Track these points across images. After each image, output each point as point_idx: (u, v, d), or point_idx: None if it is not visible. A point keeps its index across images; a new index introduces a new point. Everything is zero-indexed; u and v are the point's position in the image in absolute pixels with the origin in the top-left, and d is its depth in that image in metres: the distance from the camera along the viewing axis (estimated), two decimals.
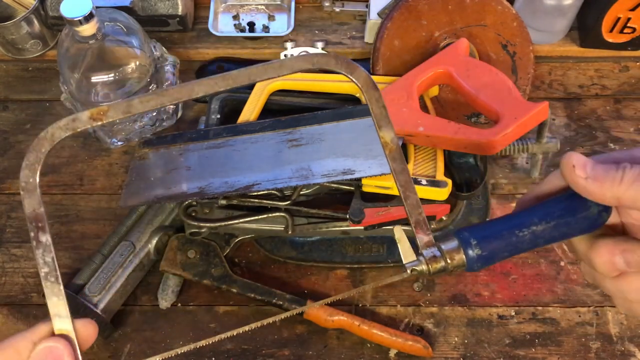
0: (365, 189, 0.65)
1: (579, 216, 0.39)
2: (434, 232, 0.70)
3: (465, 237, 0.39)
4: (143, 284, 0.70)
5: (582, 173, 0.36)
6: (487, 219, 0.72)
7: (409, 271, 0.39)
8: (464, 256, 0.39)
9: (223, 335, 0.42)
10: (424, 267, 0.39)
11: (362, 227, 0.66)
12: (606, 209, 0.39)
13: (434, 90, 0.73)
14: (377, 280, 0.43)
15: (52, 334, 0.38)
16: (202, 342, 0.42)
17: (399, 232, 0.41)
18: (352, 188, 0.66)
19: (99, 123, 0.36)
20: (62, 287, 0.37)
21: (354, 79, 0.38)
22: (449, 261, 0.39)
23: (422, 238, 0.39)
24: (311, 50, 0.82)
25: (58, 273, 0.37)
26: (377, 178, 0.64)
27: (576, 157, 0.37)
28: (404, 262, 0.40)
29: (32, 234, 0.36)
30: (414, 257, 0.40)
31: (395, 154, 0.39)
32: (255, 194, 0.67)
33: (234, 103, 0.74)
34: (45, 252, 0.36)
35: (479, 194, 0.72)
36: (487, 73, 0.66)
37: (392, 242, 0.70)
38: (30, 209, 0.36)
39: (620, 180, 0.35)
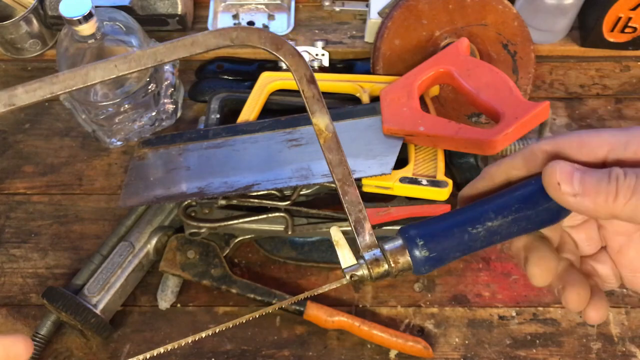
0: (365, 189, 0.65)
1: (541, 208, 0.34)
2: None
3: (410, 237, 0.35)
4: (142, 284, 0.70)
5: (569, 189, 0.32)
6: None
7: (348, 277, 0.36)
8: (409, 258, 0.35)
9: (217, 328, 0.40)
10: (364, 271, 0.35)
11: None
12: (555, 217, 0.35)
13: (435, 90, 0.72)
14: (314, 289, 0.40)
15: None
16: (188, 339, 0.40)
17: (336, 234, 0.37)
18: None
19: None
20: None
21: (280, 56, 0.33)
22: (392, 264, 0.35)
23: (363, 239, 0.36)
24: (311, 49, 0.82)
25: None
26: (377, 178, 0.63)
27: (560, 170, 0.32)
28: (343, 266, 0.36)
29: None
30: (354, 261, 0.36)
31: (331, 143, 0.35)
32: (255, 194, 0.66)
33: (233, 103, 0.74)
34: None
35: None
36: (487, 73, 0.65)
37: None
38: None
39: (615, 194, 0.31)
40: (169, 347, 0.38)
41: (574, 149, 0.34)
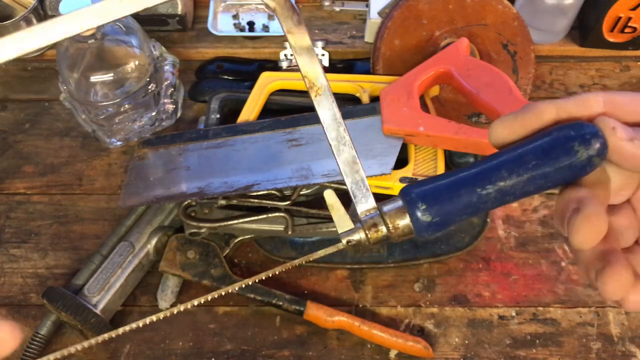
0: None
1: (562, 165, 0.30)
2: None
3: (411, 199, 0.32)
4: (142, 284, 0.70)
5: (625, 134, 0.30)
6: (486, 234, 0.69)
7: (344, 241, 0.33)
8: (409, 222, 0.32)
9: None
10: (361, 235, 0.33)
11: None
12: (600, 153, 0.31)
13: (435, 90, 0.72)
14: (308, 255, 0.37)
15: None
16: None
17: (330, 197, 0.35)
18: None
19: None
20: None
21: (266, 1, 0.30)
22: (391, 228, 0.32)
23: (361, 201, 0.33)
24: None
25: None
26: (377, 178, 0.63)
27: (621, 128, 0.30)
28: (339, 231, 0.34)
29: None
30: (351, 225, 0.34)
31: (323, 98, 0.31)
32: (255, 194, 0.66)
33: (233, 103, 0.74)
34: None
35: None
36: (487, 73, 0.65)
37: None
38: None
39: None
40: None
41: (627, 111, 0.32)
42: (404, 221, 0.32)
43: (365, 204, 0.33)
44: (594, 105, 0.32)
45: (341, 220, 0.34)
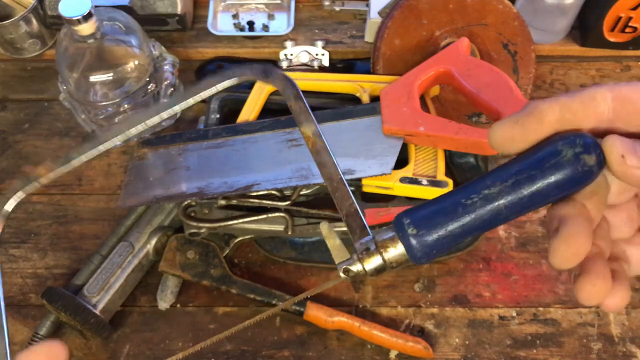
0: (365, 189, 0.65)
1: (549, 164, 0.29)
2: None
3: (399, 222, 0.31)
4: (142, 284, 0.70)
5: (635, 162, 0.29)
6: (487, 235, 0.69)
7: (342, 273, 0.33)
8: (402, 246, 0.31)
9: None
10: (358, 266, 0.33)
11: None
12: (589, 150, 0.29)
13: (435, 90, 0.72)
14: (313, 289, 0.38)
15: None
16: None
17: (325, 229, 0.35)
18: (352, 188, 0.66)
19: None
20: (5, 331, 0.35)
21: (270, 82, 0.37)
22: (385, 255, 0.32)
23: (355, 232, 0.33)
24: (311, 49, 0.82)
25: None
26: (377, 178, 0.63)
27: (621, 142, 0.29)
28: (336, 262, 0.34)
29: None
30: (347, 255, 0.34)
31: (319, 146, 0.36)
32: (255, 194, 0.66)
33: (233, 103, 0.74)
34: None
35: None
36: (488, 72, 0.65)
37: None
38: None
39: None
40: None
41: (638, 110, 0.30)
42: (396, 246, 0.32)
43: (359, 235, 0.33)
44: (601, 103, 0.31)
45: (337, 251, 0.34)
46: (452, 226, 0.30)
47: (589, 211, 0.32)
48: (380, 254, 0.32)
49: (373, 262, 0.33)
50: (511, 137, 0.31)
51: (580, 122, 0.31)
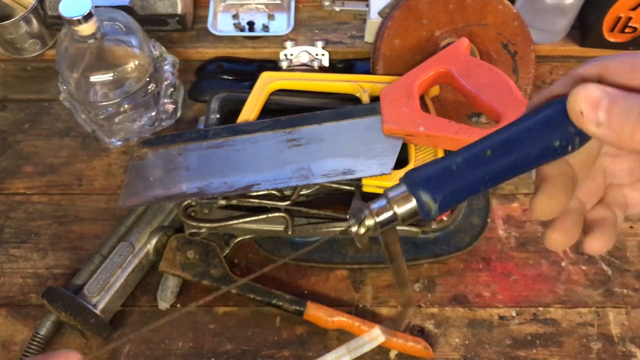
0: (365, 189, 0.65)
1: (543, 148, 0.32)
2: (435, 232, 0.70)
3: (413, 178, 0.34)
4: (142, 284, 0.70)
5: (593, 118, 0.29)
6: (486, 234, 0.70)
7: (353, 228, 0.35)
8: (414, 200, 0.34)
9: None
10: (369, 221, 0.35)
11: None
12: (572, 141, 0.31)
13: (435, 90, 0.72)
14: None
15: None
16: None
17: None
18: (352, 188, 0.66)
19: None
20: None
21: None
22: (396, 209, 0.34)
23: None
24: (311, 49, 0.82)
25: None
26: (377, 178, 0.63)
27: (586, 96, 0.29)
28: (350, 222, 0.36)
29: None
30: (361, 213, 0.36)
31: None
32: (255, 194, 0.66)
33: (233, 103, 0.74)
34: None
35: (479, 194, 0.72)
36: (488, 73, 0.65)
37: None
38: None
39: None
40: None
41: (624, 74, 0.30)
42: (408, 201, 0.34)
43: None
44: (590, 78, 0.32)
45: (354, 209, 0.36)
46: (465, 182, 0.33)
47: (574, 169, 0.35)
48: (392, 208, 0.34)
49: (385, 217, 0.35)
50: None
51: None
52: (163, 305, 0.68)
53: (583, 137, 0.32)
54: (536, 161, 0.32)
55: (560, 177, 0.34)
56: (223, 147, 0.68)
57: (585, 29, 0.83)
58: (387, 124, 0.65)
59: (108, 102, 0.71)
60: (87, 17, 0.64)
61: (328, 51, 0.82)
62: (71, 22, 0.65)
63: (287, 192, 0.67)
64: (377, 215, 0.35)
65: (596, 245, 0.35)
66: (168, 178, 0.68)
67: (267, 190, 0.65)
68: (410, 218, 0.34)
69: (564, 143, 0.32)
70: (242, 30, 0.85)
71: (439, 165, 0.34)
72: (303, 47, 0.82)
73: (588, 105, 0.29)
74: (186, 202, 0.67)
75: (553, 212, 0.34)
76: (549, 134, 0.32)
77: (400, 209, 0.34)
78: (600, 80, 0.31)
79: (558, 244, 0.36)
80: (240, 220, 0.67)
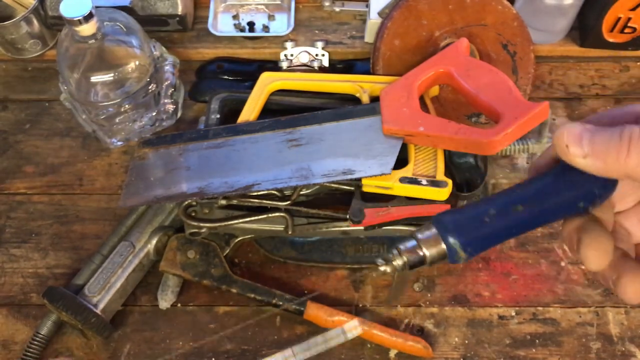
0: (365, 189, 0.65)
1: (560, 201, 0.34)
2: None
3: (443, 223, 0.35)
4: (143, 284, 0.70)
5: (579, 151, 0.31)
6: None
7: (382, 268, 0.36)
8: (443, 245, 0.34)
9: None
10: (398, 261, 0.36)
11: (362, 228, 0.66)
12: (595, 198, 0.33)
13: (435, 90, 0.72)
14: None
15: None
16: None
17: None
18: (352, 188, 0.66)
19: None
20: None
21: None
22: (426, 252, 0.35)
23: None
24: (311, 50, 0.82)
25: None
26: (377, 178, 0.63)
27: (568, 132, 0.31)
28: (379, 259, 0.37)
29: None
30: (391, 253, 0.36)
31: None
32: (255, 194, 0.66)
33: (233, 103, 0.74)
34: None
35: (479, 194, 0.72)
36: (487, 73, 0.65)
37: (392, 242, 0.70)
38: None
39: (627, 152, 0.29)
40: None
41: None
42: (438, 245, 0.35)
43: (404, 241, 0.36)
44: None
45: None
46: (492, 234, 0.34)
47: (598, 217, 0.35)
48: (422, 251, 0.35)
49: (414, 259, 0.35)
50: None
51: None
52: (163, 304, 0.68)
53: (603, 197, 0.34)
54: (563, 216, 0.35)
55: (594, 222, 0.35)
56: (223, 147, 0.68)
57: (585, 29, 0.83)
58: (387, 124, 0.65)
59: (108, 103, 0.71)
60: (88, 18, 0.65)
61: (328, 51, 0.82)
62: (72, 23, 0.65)
63: (287, 192, 0.67)
64: (406, 256, 0.35)
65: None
66: (168, 178, 0.68)
67: (267, 190, 0.66)
68: (437, 261, 0.35)
69: (587, 204, 0.34)
70: (242, 30, 0.85)
71: (471, 213, 0.35)
72: (303, 47, 0.83)
73: (572, 140, 0.31)
74: (187, 202, 0.67)
75: (606, 254, 0.34)
76: (574, 196, 0.33)
77: (430, 252, 0.35)
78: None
79: (637, 286, 0.35)
80: (241, 220, 0.67)
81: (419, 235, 0.35)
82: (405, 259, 0.35)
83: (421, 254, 0.35)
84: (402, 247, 0.36)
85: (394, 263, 0.36)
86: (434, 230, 0.35)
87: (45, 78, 0.85)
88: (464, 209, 0.35)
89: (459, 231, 0.34)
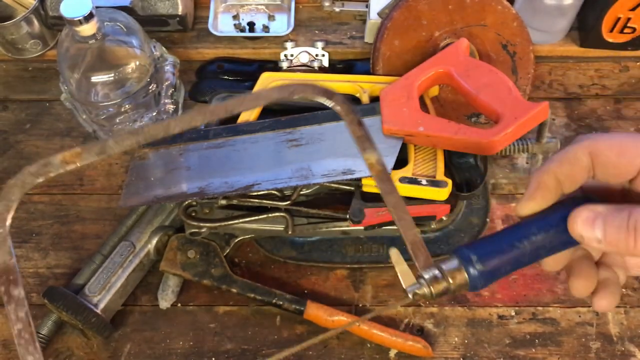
0: (365, 189, 0.65)
1: (565, 240, 0.38)
2: (435, 232, 0.71)
3: (465, 255, 0.38)
4: (143, 284, 0.70)
5: (594, 241, 0.36)
6: (485, 234, 0.72)
7: (410, 296, 0.38)
8: (466, 275, 0.38)
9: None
10: (425, 290, 0.38)
11: (362, 227, 0.66)
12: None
13: (434, 90, 0.72)
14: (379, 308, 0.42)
15: None
16: None
17: (395, 255, 0.40)
18: (352, 188, 0.66)
19: (72, 166, 0.34)
20: (37, 344, 0.33)
21: (331, 105, 0.38)
22: (450, 282, 0.38)
23: (420, 259, 0.38)
24: (311, 50, 0.82)
25: (33, 329, 0.33)
26: None
27: (582, 222, 0.36)
28: (404, 286, 0.39)
29: (2, 288, 0.33)
30: (413, 280, 0.39)
31: (382, 175, 0.38)
32: (255, 194, 0.67)
33: None
34: (18, 307, 0.33)
35: (479, 194, 0.72)
36: (487, 73, 0.66)
37: (392, 242, 0.70)
38: (0, 260, 0.34)
39: (635, 240, 0.34)
40: None
41: (613, 157, 0.37)
42: (460, 274, 0.38)
43: (423, 262, 0.38)
44: (583, 159, 0.38)
45: (405, 276, 0.39)
46: (508, 262, 0.38)
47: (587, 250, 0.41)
48: (447, 281, 0.38)
49: (439, 288, 0.38)
50: (531, 207, 0.39)
51: (574, 180, 0.38)
52: (164, 304, 0.68)
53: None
54: (565, 249, 0.39)
55: (582, 258, 0.41)
56: (223, 147, 0.69)
57: (585, 29, 0.83)
58: (387, 124, 0.65)
59: (109, 103, 0.71)
60: (88, 18, 0.65)
61: (328, 52, 0.82)
62: (72, 23, 0.65)
63: (287, 192, 0.67)
64: (431, 286, 0.38)
65: (603, 303, 0.41)
66: (169, 178, 0.68)
67: (268, 190, 0.66)
68: (459, 290, 0.38)
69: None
70: (242, 30, 0.85)
71: (487, 248, 0.38)
72: (303, 47, 0.83)
73: (585, 229, 0.36)
74: (187, 202, 0.67)
75: (589, 287, 0.41)
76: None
77: (454, 282, 0.38)
78: (592, 158, 0.37)
79: (582, 287, 0.41)
80: (241, 220, 0.67)
81: (443, 266, 0.38)
82: (432, 289, 0.38)
83: (447, 284, 0.38)
84: (426, 276, 0.38)
85: (420, 292, 0.38)
86: (455, 262, 0.38)
87: (45, 78, 0.85)
88: (481, 243, 0.39)
89: (480, 263, 0.38)
